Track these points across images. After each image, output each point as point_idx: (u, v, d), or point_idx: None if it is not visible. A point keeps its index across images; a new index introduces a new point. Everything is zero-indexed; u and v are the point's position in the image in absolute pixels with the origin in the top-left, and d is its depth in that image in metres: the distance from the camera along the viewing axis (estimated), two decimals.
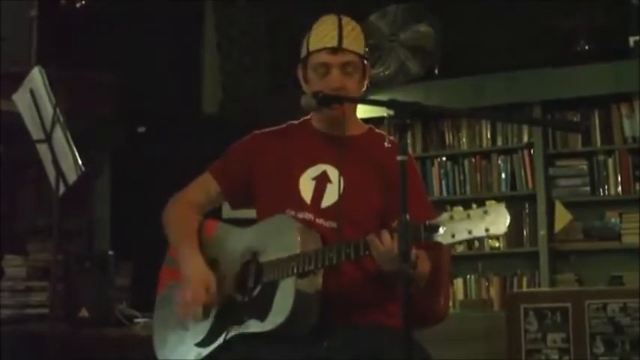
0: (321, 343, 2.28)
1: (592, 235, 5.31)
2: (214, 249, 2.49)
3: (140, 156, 5.53)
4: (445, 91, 5.50)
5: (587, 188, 5.37)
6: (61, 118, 3.51)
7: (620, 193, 5.30)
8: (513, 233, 5.46)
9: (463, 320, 4.88)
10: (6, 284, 4.03)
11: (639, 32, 5.24)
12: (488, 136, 5.65)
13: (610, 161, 5.33)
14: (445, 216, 2.03)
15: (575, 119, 5.39)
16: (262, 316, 2.27)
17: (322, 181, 2.44)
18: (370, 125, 2.58)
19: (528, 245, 5.46)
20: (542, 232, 5.33)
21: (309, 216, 2.40)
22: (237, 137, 2.63)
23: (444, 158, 5.73)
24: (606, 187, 5.34)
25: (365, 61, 2.47)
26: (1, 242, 4.40)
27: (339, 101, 2.39)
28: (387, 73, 5.67)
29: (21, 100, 3.63)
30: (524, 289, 5.38)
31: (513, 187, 5.54)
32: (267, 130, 2.60)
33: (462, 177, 5.66)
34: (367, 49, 2.49)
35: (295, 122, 2.59)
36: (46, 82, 3.54)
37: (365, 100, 2.56)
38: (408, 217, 2.01)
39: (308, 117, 2.56)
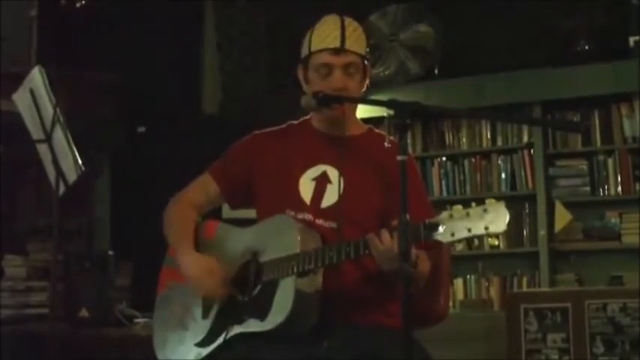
0: (321, 342, 2.28)
1: (592, 235, 5.31)
2: (214, 249, 2.49)
3: (140, 156, 5.53)
4: (445, 91, 5.49)
5: (587, 188, 5.37)
6: (61, 118, 3.51)
7: (620, 193, 5.30)
8: (513, 233, 5.46)
9: (463, 320, 4.88)
10: (6, 284, 4.03)
11: (639, 32, 5.24)
12: (488, 136, 5.65)
13: (610, 161, 5.33)
14: (445, 214, 2.03)
15: (575, 119, 5.39)
16: (262, 316, 2.27)
17: (322, 181, 2.44)
18: (370, 125, 2.58)
19: (528, 245, 5.46)
20: (542, 232, 5.33)
21: (308, 216, 2.40)
22: (237, 137, 2.63)
23: (444, 158, 5.73)
24: (606, 187, 5.34)
25: (366, 62, 2.47)
26: (1, 242, 4.40)
27: (338, 101, 2.39)
28: (387, 73, 5.67)
29: (21, 100, 3.63)
30: (524, 289, 5.38)
31: (513, 187, 5.54)
32: (267, 130, 2.60)
33: (462, 177, 5.66)
34: (368, 50, 2.49)
35: (295, 122, 2.59)
36: (46, 82, 3.54)
37: (365, 100, 2.56)
38: (407, 216, 2.01)
39: (308, 117, 2.56)
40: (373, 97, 4.35)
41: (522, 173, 5.52)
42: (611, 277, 5.15)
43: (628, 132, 5.33)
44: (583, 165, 5.39)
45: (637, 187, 5.27)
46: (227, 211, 2.73)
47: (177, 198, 2.62)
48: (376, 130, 2.56)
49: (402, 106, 2.13)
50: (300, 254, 2.27)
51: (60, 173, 3.51)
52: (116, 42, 5.39)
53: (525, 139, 5.54)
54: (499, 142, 5.63)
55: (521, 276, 5.48)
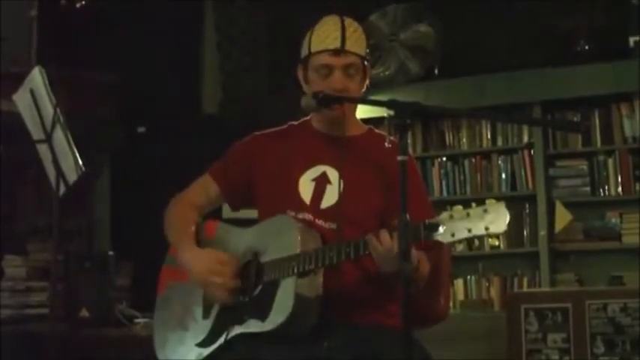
0: (321, 343, 2.28)
1: (592, 235, 5.30)
2: (215, 249, 2.49)
3: (140, 156, 5.53)
4: (445, 91, 5.49)
5: (588, 188, 5.37)
6: (62, 118, 3.50)
7: (621, 193, 5.30)
8: (514, 233, 5.46)
9: (463, 320, 4.88)
10: (6, 284, 4.03)
11: (639, 32, 5.24)
12: (489, 136, 5.65)
13: (610, 161, 5.33)
14: (445, 215, 2.03)
15: (575, 119, 5.39)
16: (263, 316, 2.27)
17: (322, 182, 2.44)
18: (370, 126, 2.58)
19: (529, 245, 5.46)
20: (543, 232, 5.33)
21: (308, 217, 2.40)
22: (237, 137, 2.63)
23: (444, 158, 5.73)
24: (606, 187, 5.34)
25: (366, 63, 2.47)
26: (1, 242, 4.40)
27: (339, 101, 2.39)
28: (387, 73, 5.67)
29: (21, 100, 3.63)
30: (525, 289, 5.38)
31: (513, 187, 5.54)
32: (267, 131, 2.60)
33: (462, 177, 5.66)
34: (368, 50, 2.49)
35: (295, 123, 2.59)
36: (47, 82, 3.54)
37: (365, 100, 2.56)
38: (407, 217, 2.01)
39: (308, 118, 2.56)
40: (373, 98, 4.35)
41: (522, 173, 5.52)
42: (612, 277, 5.14)
43: (628, 132, 5.33)
44: (583, 165, 5.39)
45: (637, 188, 5.26)
46: (227, 212, 2.73)
47: (177, 199, 2.62)
48: (376, 131, 2.56)
49: (402, 107, 2.13)
50: (300, 254, 2.27)
51: (60, 173, 3.51)
52: (116, 42, 5.39)
53: (525, 139, 5.54)
54: (499, 143, 5.63)
55: (522, 276, 5.48)
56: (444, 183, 5.69)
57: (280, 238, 2.34)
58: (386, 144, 2.30)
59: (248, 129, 2.64)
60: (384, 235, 2.14)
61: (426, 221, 2.05)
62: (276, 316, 2.25)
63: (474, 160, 5.66)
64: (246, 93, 6.01)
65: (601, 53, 5.28)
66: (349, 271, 2.33)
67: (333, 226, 2.37)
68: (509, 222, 1.96)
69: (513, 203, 5.31)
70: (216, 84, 6.06)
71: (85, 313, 3.83)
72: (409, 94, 5.31)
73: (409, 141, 4.89)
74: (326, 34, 2.42)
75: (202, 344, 2.41)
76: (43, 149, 3.58)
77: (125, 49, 5.38)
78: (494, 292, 5.50)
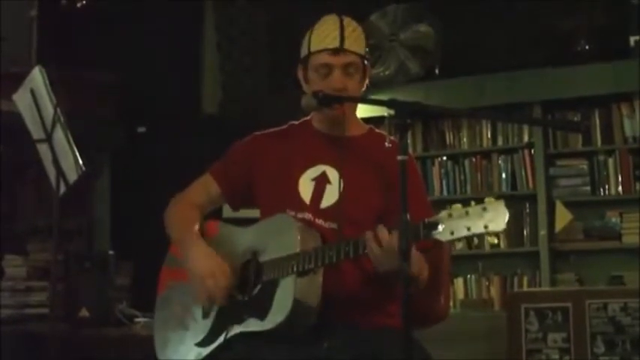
0: (321, 342, 2.28)
1: (592, 235, 5.31)
2: (215, 249, 2.49)
3: (140, 156, 5.53)
4: (445, 91, 5.49)
5: (588, 188, 5.37)
6: (62, 118, 3.51)
7: (621, 192, 5.30)
8: (514, 233, 5.46)
9: (463, 320, 4.88)
10: (6, 284, 4.03)
11: (639, 32, 5.24)
12: (489, 135, 5.65)
13: (610, 161, 5.33)
14: (444, 213, 2.02)
15: (575, 119, 5.39)
16: (262, 315, 2.27)
17: (322, 181, 2.44)
18: (370, 125, 2.58)
19: (529, 245, 5.46)
20: (543, 231, 5.33)
21: (308, 216, 2.40)
22: (237, 137, 2.63)
23: (444, 158, 5.73)
24: (607, 186, 5.34)
25: (365, 62, 2.47)
26: (1, 242, 4.41)
27: (339, 101, 2.39)
28: (387, 73, 5.67)
29: (21, 100, 3.63)
30: (525, 288, 5.38)
31: (514, 186, 5.54)
32: (267, 131, 2.60)
33: (462, 177, 5.66)
34: (367, 50, 2.49)
35: (296, 123, 2.59)
36: (47, 82, 3.54)
37: (365, 100, 2.56)
38: (408, 216, 2.01)
39: (309, 117, 2.56)
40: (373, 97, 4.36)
41: (523, 173, 5.52)
42: (612, 277, 5.15)
43: (628, 132, 5.33)
44: (583, 165, 5.39)
45: (637, 187, 5.26)
46: (228, 211, 2.73)
47: (178, 199, 2.62)
48: (376, 130, 2.56)
49: (403, 106, 2.13)
50: (300, 254, 2.27)
51: (60, 173, 3.51)
52: (116, 42, 5.39)
53: (526, 138, 5.54)
54: (499, 142, 5.63)
55: (522, 276, 5.48)
56: (444, 183, 5.69)
57: (280, 238, 2.34)
58: (386, 144, 2.30)
59: (248, 129, 2.64)
60: (383, 231, 2.14)
61: (425, 220, 2.05)
62: (276, 316, 2.24)
63: (474, 159, 5.66)
64: (246, 93, 6.01)
65: (601, 53, 5.29)
66: (349, 271, 2.33)
67: (333, 225, 2.37)
68: (509, 221, 1.96)
69: (513, 203, 5.31)
70: (216, 84, 6.06)
71: (85, 313, 3.83)
72: (409, 93, 5.30)
73: (409, 141, 4.90)
74: (325, 34, 2.42)
75: (202, 344, 2.41)
76: (43, 149, 3.58)
77: (125, 49, 5.38)
78: (495, 292, 5.51)
